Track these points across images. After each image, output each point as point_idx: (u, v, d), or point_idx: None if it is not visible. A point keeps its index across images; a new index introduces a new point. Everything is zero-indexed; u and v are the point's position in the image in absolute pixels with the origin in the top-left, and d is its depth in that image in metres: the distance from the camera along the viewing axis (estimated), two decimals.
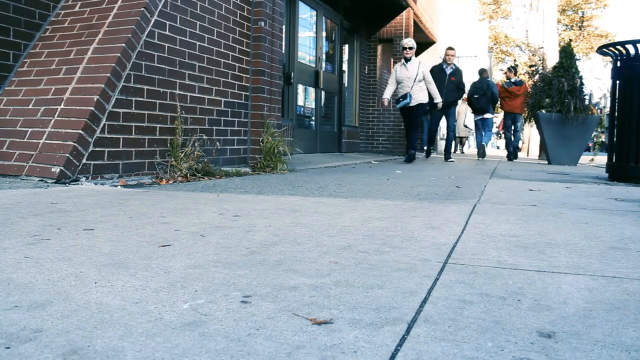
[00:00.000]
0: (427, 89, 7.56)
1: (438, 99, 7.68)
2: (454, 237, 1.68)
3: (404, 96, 7.43)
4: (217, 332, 0.82)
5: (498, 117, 20.13)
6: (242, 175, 4.03)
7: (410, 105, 7.42)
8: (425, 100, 7.53)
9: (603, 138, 19.47)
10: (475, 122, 10.78)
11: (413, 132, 7.77)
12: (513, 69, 10.82)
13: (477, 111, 10.59)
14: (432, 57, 13.72)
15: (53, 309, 0.91)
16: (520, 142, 11.33)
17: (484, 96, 10.28)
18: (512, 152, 10.45)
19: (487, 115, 10.50)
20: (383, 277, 1.18)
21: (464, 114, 15.90)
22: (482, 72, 10.71)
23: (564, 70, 8.40)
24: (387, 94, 7.65)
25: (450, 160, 8.63)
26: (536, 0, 23.16)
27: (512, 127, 10.65)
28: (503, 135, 12.04)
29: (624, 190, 3.58)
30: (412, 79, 7.44)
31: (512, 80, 10.43)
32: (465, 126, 16.28)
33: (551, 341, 0.82)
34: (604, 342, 0.82)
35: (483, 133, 10.58)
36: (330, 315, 0.91)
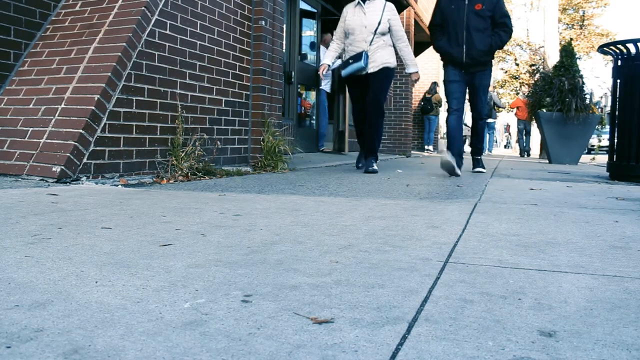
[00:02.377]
0: (396, 49, 4.76)
1: (412, 67, 4.76)
2: (455, 236, 1.68)
3: (356, 57, 4.58)
4: (218, 331, 0.82)
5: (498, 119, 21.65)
6: (243, 175, 4.03)
7: (368, 72, 4.61)
8: (393, 62, 4.72)
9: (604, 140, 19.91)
10: None
11: (375, 125, 4.68)
12: (527, 85, 13.89)
13: None
14: (432, 56, 13.71)
15: (54, 308, 0.91)
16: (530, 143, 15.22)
17: (487, 105, 12.24)
18: (526, 151, 13.74)
19: (490, 120, 13.65)
20: (384, 276, 1.18)
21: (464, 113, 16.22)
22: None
23: (565, 69, 8.40)
24: (328, 57, 4.82)
25: (478, 170, 5.01)
26: None
27: (524, 131, 13.85)
28: (517, 139, 16.17)
29: (625, 189, 3.58)
30: (372, 29, 4.59)
31: (526, 94, 13.15)
32: (465, 124, 16.53)
33: (552, 340, 0.82)
34: (604, 341, 0.82)
35: (487, 135, 13.85)
36: (331, 315, 0.91)
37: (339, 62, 5.11)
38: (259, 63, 4.75)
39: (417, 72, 4.81)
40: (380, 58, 4.65)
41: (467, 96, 4.88)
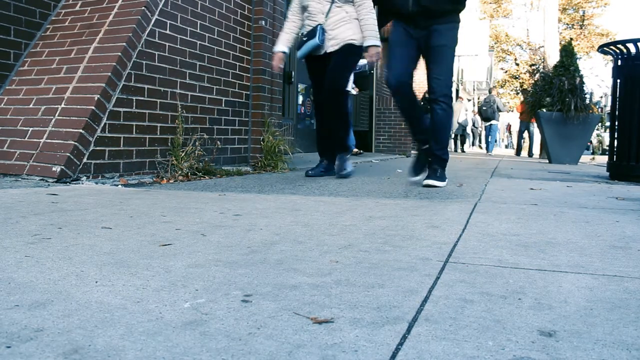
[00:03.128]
0: (360, 19, 3.70)
1: (371, 39, 3.63)
2: (455, 236, 1.68)
3: (311, 33, 3.70)
4: (218, 331, 0.82)
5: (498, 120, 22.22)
6: (243, 174, 4.03)
7: (327, 51, 3.71)
8: (360, 39, 3.70)
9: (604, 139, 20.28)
10: (485, 127, 15.48)
11: (334, 115, 3.78)
12: (526, 92, 15.22)
13: (484, 119, 15.14)
14: None
15: (54, 308, 0.91)
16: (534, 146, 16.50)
17: (490, 108, 14.59)
18: (529, 151, 14.72)
19: (493, 122, 14.92)
20: (384, 276, 1.18)
21: (458, 112, 16.50)
22: (490, 90, 15.90)
23: (565, 69, 8.40)
24: (282, 41, 3.89)
25: (429, 182, 3.22)
26: None
27: (526, 133, 14.59)
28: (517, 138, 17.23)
29: (625, 189, 3.58)
30: None
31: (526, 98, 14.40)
32: (459, 123, 16.74)
33: (552, 340, 0.82)
34: (604, 341, 0.82)
35: (490, 136, 15.13)
36: (331, 314, 0.91)
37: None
38: (259, 63, 4.76)
39: (375, 46, 3.64)
40: (342, 34, 3.67)
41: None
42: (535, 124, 14.26)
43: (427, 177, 3.28)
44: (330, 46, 3.71)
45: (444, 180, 3.32)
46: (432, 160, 3.35)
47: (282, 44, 3.89)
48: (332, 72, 3.70)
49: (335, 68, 3.70)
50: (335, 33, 3.69)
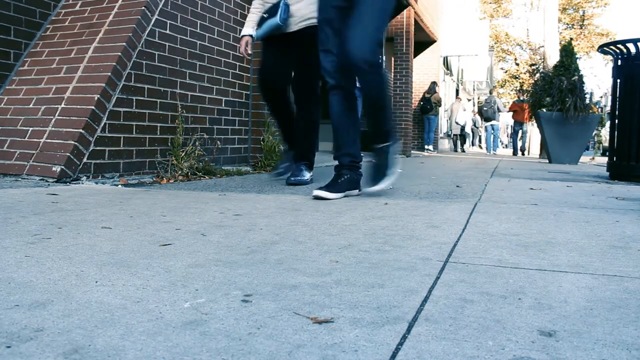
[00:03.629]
0: None
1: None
2: (455, 236, 1.67)
3: (272, 9, 3.11)
4: (217, 331, 0.82)
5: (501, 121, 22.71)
6: (243, 174, 4.03)
7: (288, 30, 3.14)
8: None
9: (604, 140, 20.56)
10: (486, 127, 15.97)
11: (307, 115, 3.28)
12: (522, 92, 16.12)
13: (486, 119, 15.73)
14: (432, 55, 13.71)
15: (54, 308, 0.91)
16: (526, 143, 17.09)
17: (491, 109, 15.22)
18: (522, 149, 15.66)
19: (494, 122, 15.50)
20: (384, 276, 1.18)
21: (456, 112, 16.67)
22: (491, 91, 16.99)
23: (565, 69, 8.41)
24: (248, 25, 3.30)
25: (375, 187, 2.67)
26: None
27: (520, 132, 15.28)
28: (511, 139, 17.95)
29: (625, 189, 3.58)
30: None
31: (521, 99, 14.91)
32: (457, 123, 16.87)
33: (552, 340, 0.82)
34: (604, 341, 0.82)
35: (492, 136, 15.66)
36: (331, 314, 0.91)
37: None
38: (259, 63, 4.75)
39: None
40: (304, 9, 3.07)
41: None
42: (528, 124, 14.95)
43: (372, 180, 2.66)
44: (292, 24, 3.11)
45: (393, 165, 2.67)
46: (376, 142, 2.65)
47: (249, 27, 3.28)
48: (303, 67, 3.17)
49: (306, 61, 3.11)
50: (296, 8, 3.09)
